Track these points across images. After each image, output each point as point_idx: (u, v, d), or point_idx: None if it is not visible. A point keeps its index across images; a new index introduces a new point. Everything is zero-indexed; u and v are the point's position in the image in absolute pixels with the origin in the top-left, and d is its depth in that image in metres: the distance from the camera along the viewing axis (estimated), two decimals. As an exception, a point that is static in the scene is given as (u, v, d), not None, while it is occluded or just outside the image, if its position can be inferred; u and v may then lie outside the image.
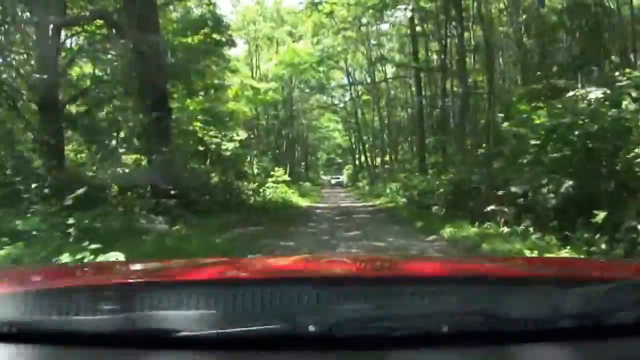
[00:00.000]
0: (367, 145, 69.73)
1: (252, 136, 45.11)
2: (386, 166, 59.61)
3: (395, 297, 1.67)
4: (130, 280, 2.09)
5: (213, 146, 31.03)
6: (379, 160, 66.85)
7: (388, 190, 43.03)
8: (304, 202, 45.04)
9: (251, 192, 35.84)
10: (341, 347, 1.51)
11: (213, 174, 30.29)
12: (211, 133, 30.77)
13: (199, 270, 2.54)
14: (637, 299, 1.65)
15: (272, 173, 46.26)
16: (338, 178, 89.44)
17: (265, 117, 64.37)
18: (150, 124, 19.38)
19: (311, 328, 1.49)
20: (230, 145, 33.36)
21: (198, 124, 29.38)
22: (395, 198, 37.44)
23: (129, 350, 1.54)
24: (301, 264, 2.86)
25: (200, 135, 29.38)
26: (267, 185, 41.69)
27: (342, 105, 78.71)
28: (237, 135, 37.11)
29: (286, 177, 47.90)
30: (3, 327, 1.58)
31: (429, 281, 1.95)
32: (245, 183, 36.12)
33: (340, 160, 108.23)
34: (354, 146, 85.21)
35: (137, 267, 3.10)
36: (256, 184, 38.47)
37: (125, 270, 2.86)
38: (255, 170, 44.55)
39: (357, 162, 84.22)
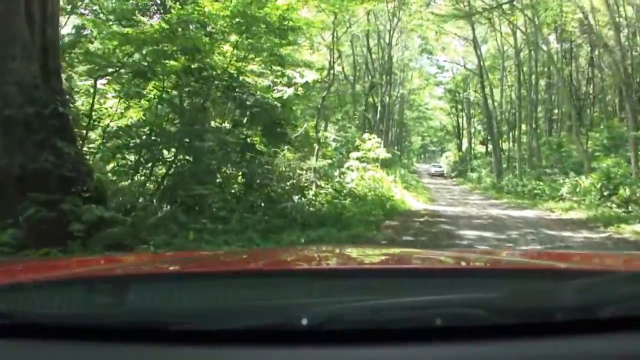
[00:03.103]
0: (494, 126, 48.63)
1: (325, 79, 22.50)
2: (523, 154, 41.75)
3: (390, 290, 1.50)
4: (127, 273, 1.90)
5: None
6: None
7: (547, 188, 30.27)
8: (414, 202, 26.22)
9: (309, 178, 18.62)
10: (335, 341, 1.35)
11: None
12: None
13: (191, 263, 2.34)
14: (632, 291, 1.49)
15: (357, 144, 24.00)
16: (440, 167, 71.83)
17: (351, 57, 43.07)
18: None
19: (304, 321, 1.33)
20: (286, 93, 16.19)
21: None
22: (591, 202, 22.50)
23: (124, 344, 1.37)
24: (295, 256, 2.59)
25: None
26: (347, 165, 23.50)
27: (450, 75, 64.95)
28: (301, 75, 18.19)
29: (385, 152, 25.86)
30: None
31: (424, 274, 1.70)
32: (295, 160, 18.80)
33: (434, 148, 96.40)
34: (460, 129, 71.02)
35: (134, 259, 2.90)
36: (323, 161, 20.70)
37: (122, 263, 2.61)
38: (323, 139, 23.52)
39: (461, 148, 69.80)
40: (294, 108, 15.65)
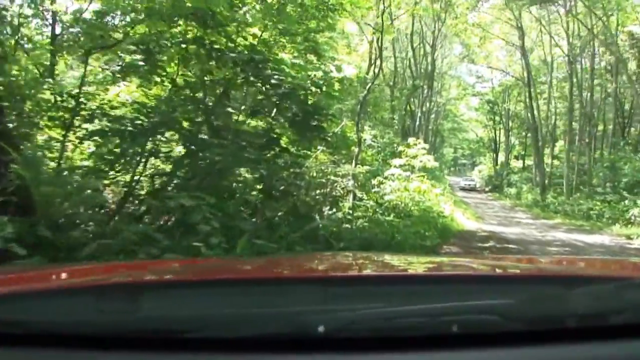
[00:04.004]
0: (539, 139, 45.18)
1: (367, 76, 18.93)
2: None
3: (405, 297, 1.50)
4: (135, 281, 1.80)
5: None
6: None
7: (607, 210, 27.22)
8: (465, 220, 23.12)
9: (347, 186, 14.95)
10: (351, 348, 1.35)
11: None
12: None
13: (204, 270, 2.34)
14: None
15: (400, 150, 20.45)
16: (472, 180, 67.18)
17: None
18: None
19: (320, 329, 1.33)
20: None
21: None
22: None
23: (133, 352, 1.36)
24: (309, 263, 2.55)
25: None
26: (388, 173, 19.64)
27: (489, 86, 61.52)
28: (339, 69, 13.73)
29: (432, 161, 21.81)
30: (5, 328, 1.40)
31: (439, 281, 1.72)
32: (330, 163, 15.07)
33: (465, 161, 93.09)
34: (497, 142, 67.44)
35: (142, 267, 2.80)
36: (362, 168, 16.72)
37: (129, 270, 2.45)
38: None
39: (497, 161, 66.54)
40: (334, 94, 12.01)
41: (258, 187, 10.51)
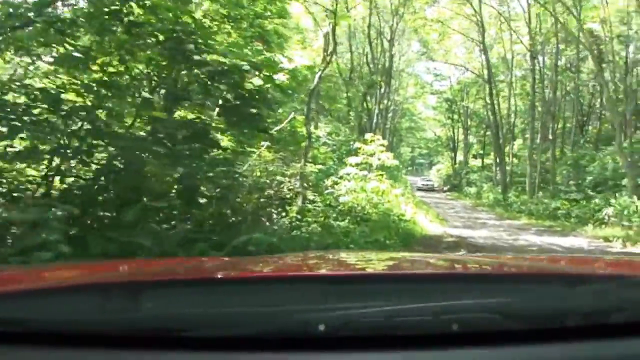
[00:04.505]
0: (500, 137, 43.63)
1: (320, 68, 16.83)
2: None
3: (405, 295, 1.46)
4: (135, 280, 1.80)
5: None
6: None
7: (577, 209, 25.73)
8: (427, 223, 20.80)
9: (295, 187, 12.88)
10: (351, 346, 1.34)
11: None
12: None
13: (205, 269, 2.28)
14: None
15: (357, 147, 18.43)
16: (430, 180, 66.57)
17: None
18: None
19: (320, 327, 1.33)
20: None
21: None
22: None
23: (134, 351, 1.35)
24: (309, 262, 2.53)
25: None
26: (343, 173, 17.67)
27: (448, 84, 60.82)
28: (290, 60, 13.18)
29: (392, 159, 19.59)
30: (7, 326, 1.39)
31: (438, 279, 1.72)
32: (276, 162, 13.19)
33: (422, 161, 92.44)
34: (455, 141, 66.47)
35: (142, 266, 2.71)
36: (313, 166, 15.56)
37: (130, 269, 2.45)
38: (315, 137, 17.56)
39: (455, 160, 65.84)
40: (276, 80, 9.90)
41: (176, 189, 8.30)
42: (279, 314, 1.37)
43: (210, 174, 8.32)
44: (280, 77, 11.68)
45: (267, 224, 11.06)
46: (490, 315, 1.37)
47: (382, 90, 40.52)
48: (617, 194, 23.58)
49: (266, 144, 12.67)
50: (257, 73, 9.47)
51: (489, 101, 43.82)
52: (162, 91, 9.11)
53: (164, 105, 8.99)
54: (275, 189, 12.31)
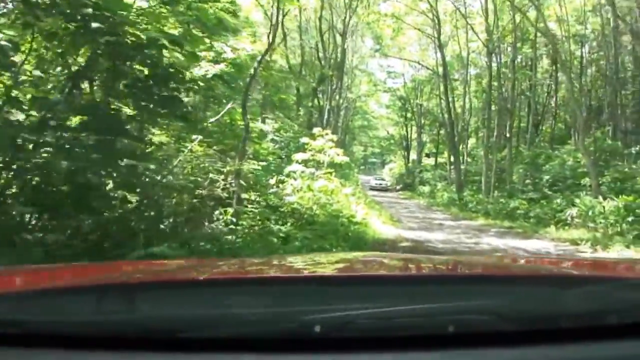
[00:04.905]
0: (455, 135, 42.30)
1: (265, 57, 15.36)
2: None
3: (401, 297, 1.47)
4: (132, 281, 1.81)
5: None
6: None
7: (539, 210, 24.51)
8: (380, 225, 19.42)
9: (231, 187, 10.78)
10: (347, 347, 1.33)
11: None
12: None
13: (201, 270, 2.22)
14: (638, 298, 1.50)
15: (304, 142, 16.89)
16: (383, 180, 64.03)
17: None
18: None
19: (317, 329, 1.31)
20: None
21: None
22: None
23: (131, 352, 1.33)
24: (305, 263, 2.53)
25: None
26: (289, 170, 16.24)
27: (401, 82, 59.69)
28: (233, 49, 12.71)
29: (342, 155, 18.03)
30: (2, 327, 1.36)
31: (435, 281, 1.70)
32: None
33: (374, 160, 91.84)
34: (408, 139, 66.07)
35: (140, 267, 2.73)
36: (255, 164, 13.38)
37: (127, 270, 2.48)
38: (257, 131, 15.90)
39: (408, 159, 65.05)
40: (198, 54, 8.22)
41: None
42: (274, 315, 1.36)
43: (109, 170, 6.63)
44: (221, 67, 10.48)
45: (188, 230, 9.50)
46: (486, 316, 1.36)
47: (334, 86, 38.98)
48: (579, 194, 22.71)
49: (198, 137, 11.09)
50: (179, 50, 7.83)
51: (444, 99, 42.58)
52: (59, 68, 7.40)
53: (62, 87, 7.30)
54: (208, 189, 10.66)
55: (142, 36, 7.29)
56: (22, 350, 1.30)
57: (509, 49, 37.72)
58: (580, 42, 38.59)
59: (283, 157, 20.00)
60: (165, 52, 7.94)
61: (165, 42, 7.40)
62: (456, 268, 2.31)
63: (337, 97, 40.76)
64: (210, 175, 10.83)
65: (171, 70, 7.33)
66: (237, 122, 13.51)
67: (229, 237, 9.74)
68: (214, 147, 11.48)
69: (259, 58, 13.56)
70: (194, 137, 11.27)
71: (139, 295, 1.44)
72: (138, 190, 8.52)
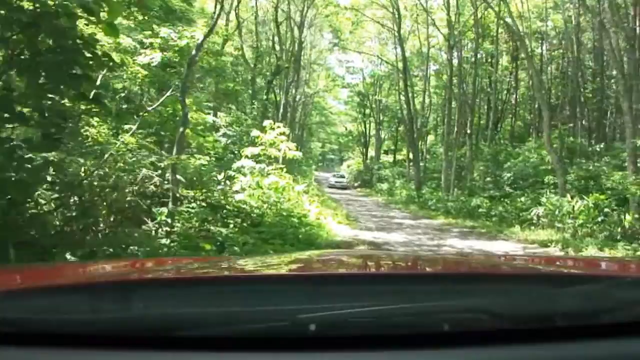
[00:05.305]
0: (415, 132, 41.12)
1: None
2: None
3: (396, 295, 1.48)
4: (129, 279, 1.82)
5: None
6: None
7: (502, 208, 23.84)
8: (334, 225, 18.22)
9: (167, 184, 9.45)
10: (342, 346, 1.33)
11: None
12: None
13: (198, 269, 2.21)
14: (634, 296, 1.49)
15: (255, 136, 15.54)
16: (343, 177, 61.69)
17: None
18: None
19: (311, 327, 1.32)
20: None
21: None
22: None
23: (127, 351, 1.32)
24: (300, 262, 2.50)
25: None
26: (237, 166, 15.02)
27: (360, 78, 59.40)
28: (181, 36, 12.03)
29: (294, 149, 17.11)
30: None
31: (430, 280, 1.76)
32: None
33: (333, 156, 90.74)
34: (366, 135, 65.59)
35: (136, 265, 2.80)
36: (201, 158, 12.61)
37: (122, 269, 2.50)
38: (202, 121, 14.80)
39: (367, 156, 64.75)
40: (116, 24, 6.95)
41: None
42: (269, 313, 1.35)
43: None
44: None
45: (125, 232, 8.22)
46: (481, 315, 1.36)
47: (291, 79, 37.64)
48: (542, 192, 22.13)
49: (131, 126, 9.77)
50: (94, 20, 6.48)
51: (403, 95, 41.50)
52: None
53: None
54: (140, 186, 9.33)
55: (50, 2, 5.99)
56: (17, 349, 1.28)
57: (470, 44, 37.08)
58: (540, 39, 38.19)
59: (235, 152, 18.91)
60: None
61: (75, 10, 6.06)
62: (451, 266, 2.29)
63: (294, 91, 39.50)
64: (144, 170, 9.49)
65: (79, 42, 5.98)
66: (179, 112, 12.23)
67: (163, 240, 8.52)
68: (148, 139, 10.16)
69: (199, 41, 12.21)
70: (126, 127, 10.02)
71: (134, 294, 1.42)
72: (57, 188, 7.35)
